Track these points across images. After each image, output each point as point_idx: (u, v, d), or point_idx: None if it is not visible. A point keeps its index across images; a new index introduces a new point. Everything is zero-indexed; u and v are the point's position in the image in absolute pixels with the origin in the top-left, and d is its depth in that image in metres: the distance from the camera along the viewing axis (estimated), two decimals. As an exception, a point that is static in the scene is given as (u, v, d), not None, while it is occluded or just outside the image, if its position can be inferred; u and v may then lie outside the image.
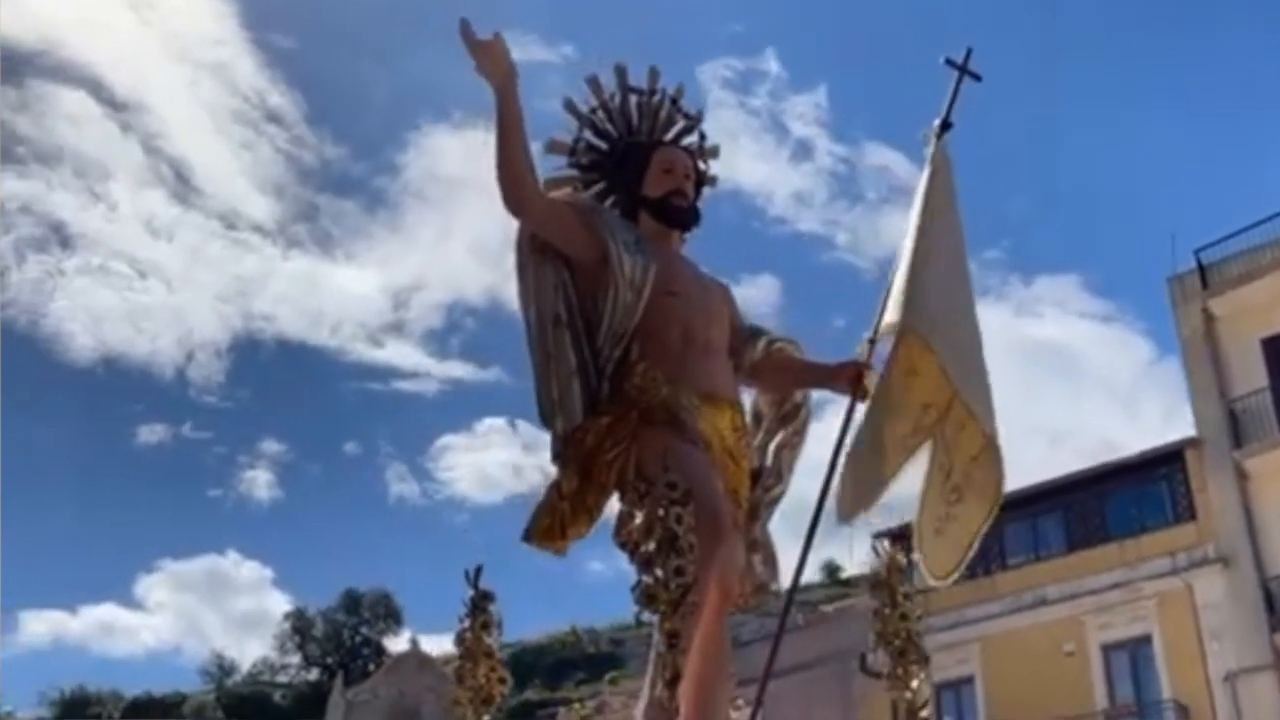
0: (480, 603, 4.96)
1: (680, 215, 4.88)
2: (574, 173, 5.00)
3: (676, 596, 3.98)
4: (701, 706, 4.13)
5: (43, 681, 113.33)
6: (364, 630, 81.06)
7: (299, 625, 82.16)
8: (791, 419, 4.99)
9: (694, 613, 4.00)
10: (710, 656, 4.15)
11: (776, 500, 4.91)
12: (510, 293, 4.77)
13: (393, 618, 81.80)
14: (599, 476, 4.49)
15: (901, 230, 5.06)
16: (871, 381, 4.73)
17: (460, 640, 4.94)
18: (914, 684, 4.87)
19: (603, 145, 5.01)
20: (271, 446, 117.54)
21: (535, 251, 4.66)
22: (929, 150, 5.16)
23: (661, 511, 4.01)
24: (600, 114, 5.01)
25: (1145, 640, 27.87)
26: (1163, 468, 29.39)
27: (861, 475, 4.74)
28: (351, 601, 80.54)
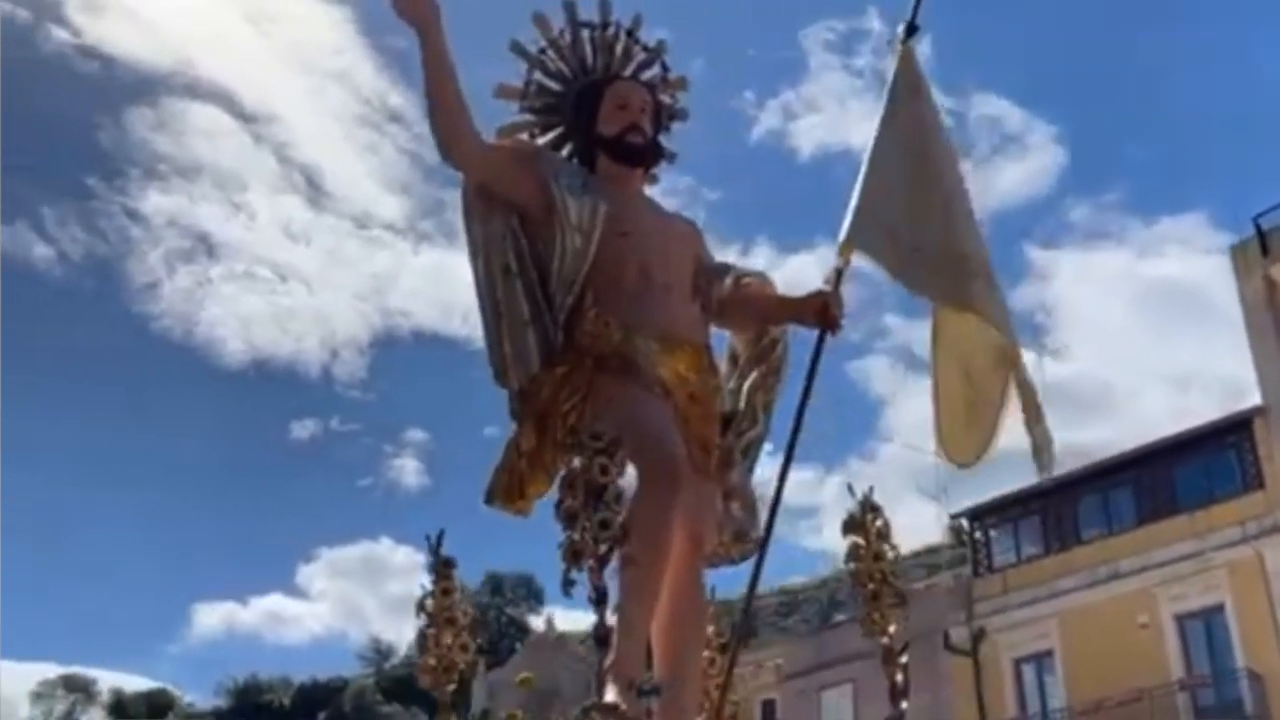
0: (443, 569, 4.49)
1: (636, 153, 4.28)
2: (529, 117, 4.41)
3: (603, 552, 3.54)
4: (674, 663, 3.85)
5: (219, 672, 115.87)
6: (508, 611, 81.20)
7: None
8: (766, 357, 4.37)
9: (630, 566, 3.60)
10: (682, 610, 3.87)
11: (754, 444, 4.29)
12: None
13: (535, 598, 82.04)
14: (556, 431, 3.95)
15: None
16: (840, 310, 4.07)
17: (421, 608, 4.47)
18: (891, 629, 4.26)
19: (555, 86, 4.40)
20: (416, 435, 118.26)
21: (480, 200, 4.12)
22: (893, 57, 4.54)
23: (585, 462, 3.61)
24: (550, 53, 4.39)
25: (1218, 610, 26.60)
26: (1230, 437, 28.05)
27: (965, 418, 4.28)
28: (494, 583, 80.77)
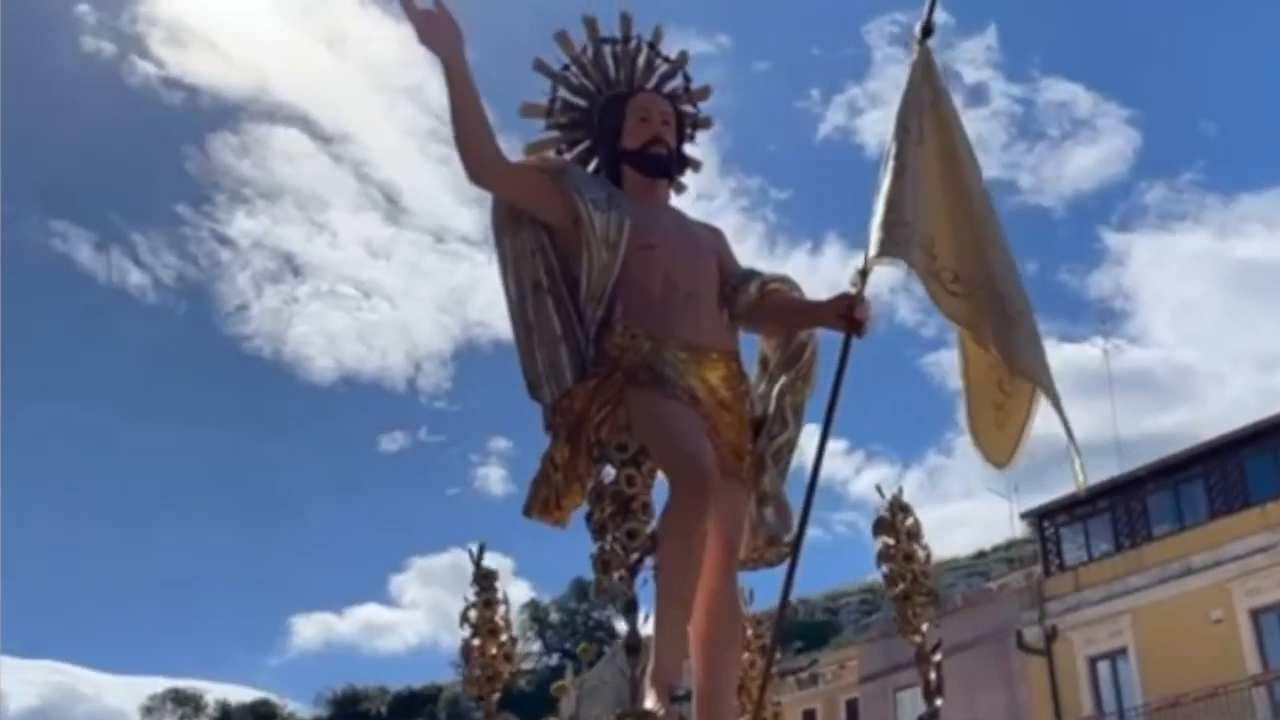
0: (484, 581, 4.46)
1: (660, 164, 4.24)
2: (555, 134, 4.38)
3: (632, 561, 3.55)
4: (710, 668, 3.79)
5: (318, 681, 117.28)
6: (595, 615, 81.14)
7: (536, 615, 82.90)
8: (795, 362, 4.28)
9: (663, 574, 3.61)
10: (717, 615, 3.82)
11: (785, 448, 4.19)
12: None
13: (610, 595, 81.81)
14: (588, 442, 3.90)
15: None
16: (863, 314, 3.98)
17: (465, 619, 4.44)
18: (924, 627, 4.16)
19: (580, 102, 4.38)
20: (500, 443, 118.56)
21: (509, 218, 4.13)
22: (909, 62, 4.40)
23: (611, 474, 3.63)
24: (574, 69, 4.36)
25: (1293, 603, 25.92)
26: (1302, 426, 27.25)
27: (999, 418, 4.21)
28: (581, 589, 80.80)
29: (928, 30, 4.37)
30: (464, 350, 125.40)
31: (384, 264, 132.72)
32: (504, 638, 4.46)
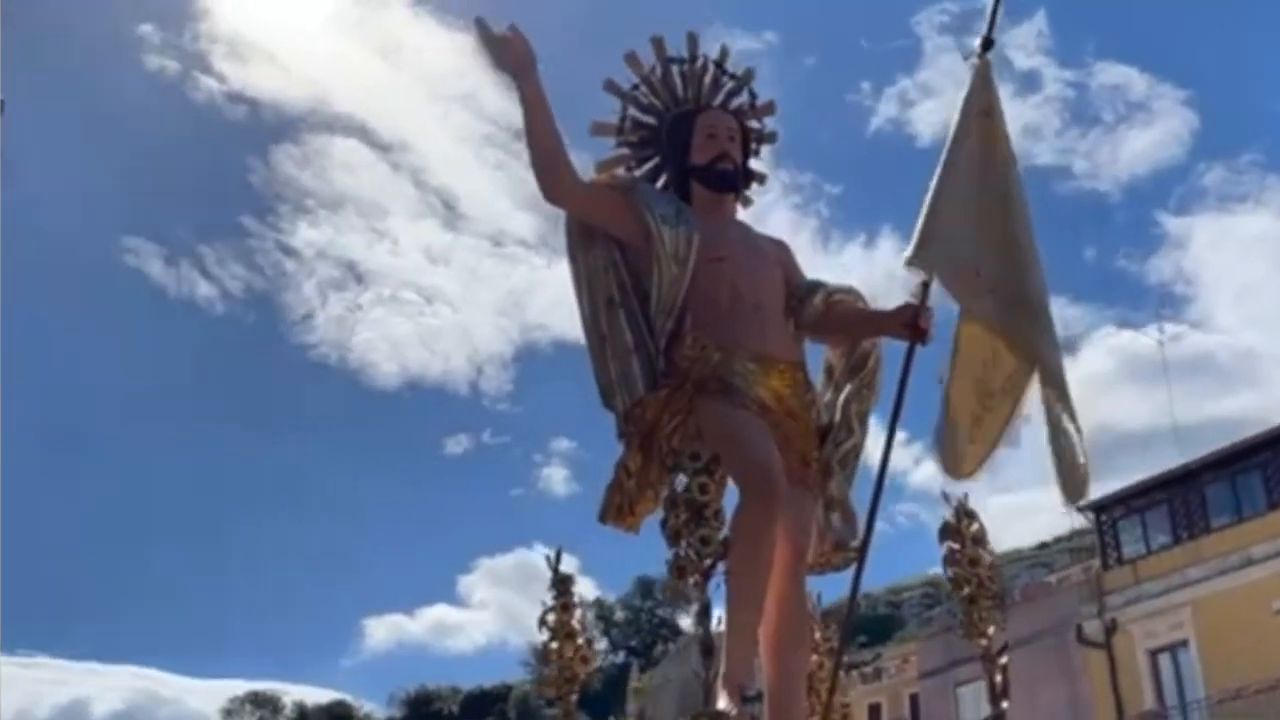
0: (561, 585, 4.54)
1: (727, 179, 4.29)
2: (625, 151, 4.45)
3: (706, 567, 3.61)
4: (780, 670, 3.84)
5: (391, 682, 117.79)
6: (659, 613, 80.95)
7: (601, 613, 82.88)
8: (859, 370, 4.33)
9: (734, 578, 3.66)
10: (786, 619, 3.86)
11: (851, 455, 4.24)
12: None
13: (685, 599, 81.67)
14: (660, 451, 3.97)
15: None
16: (927, 323, 4.02)
17: (543, 622, 4.52)
18: (989, 630, 4.17)
19: (649, 120, 4.44)
20: (563, 444, 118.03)
21: (582, 235, 4.20)
22: (969, 71, 4.38)
23: (686, 481, 3.68)
24: (643, 89, 4.43)
25: (1354, 592, 25.44)
26: (1362, 413, 26.76)
27: (966, 430, 4.16)
28: (645, 587, 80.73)
29: (988, 43, 4.36)
30: (524, 353, 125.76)
31: (444, 269, 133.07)
32: (580, 640, 4.53)
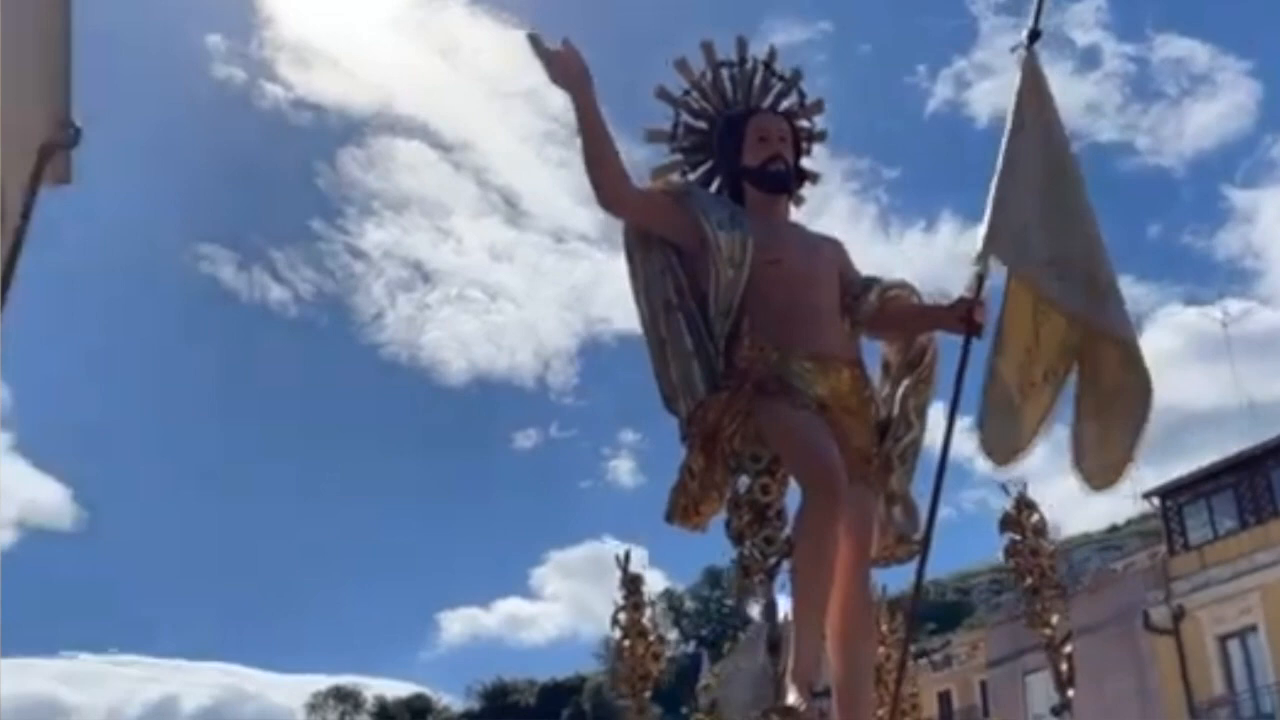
0: (631, 586, 4.58)
1: (779, 180, 4.29)
2: (679, 157, 4.45)
3: (770, 566, 3.62)
4: (848, 664, 3.84)
5: (468, 675, 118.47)
6: (728, 603, 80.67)
7: (671, 604, 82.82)
8: (916, 365, 4.30)
9: (799, 576, 3.65)
10: (852, 613, 3.85)
11: (911, 449, 4.21)
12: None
13: (751, 598, 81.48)
14: (723, 452, 3.98)
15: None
16: (982, 316, 4.00)
17: (615, 621, 4.56)
18: (1053, 620, 4.15)
19: (701, 125, 4.45)
20: (629, 436, 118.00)
21: (639, 241, 4.21)
22: (1017, 63, 4.32)
23: (748, 482, 3.69)
24: (694, 94, 4.44)
25: None
26: None
27: (1009, 420, 4.12)
28: (713, 577, 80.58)
29: (1035, 35, 4.32)
30: (589, 346, 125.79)
31: (508, 266, 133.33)
32: (651, 638, 4.56)
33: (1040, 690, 26.85)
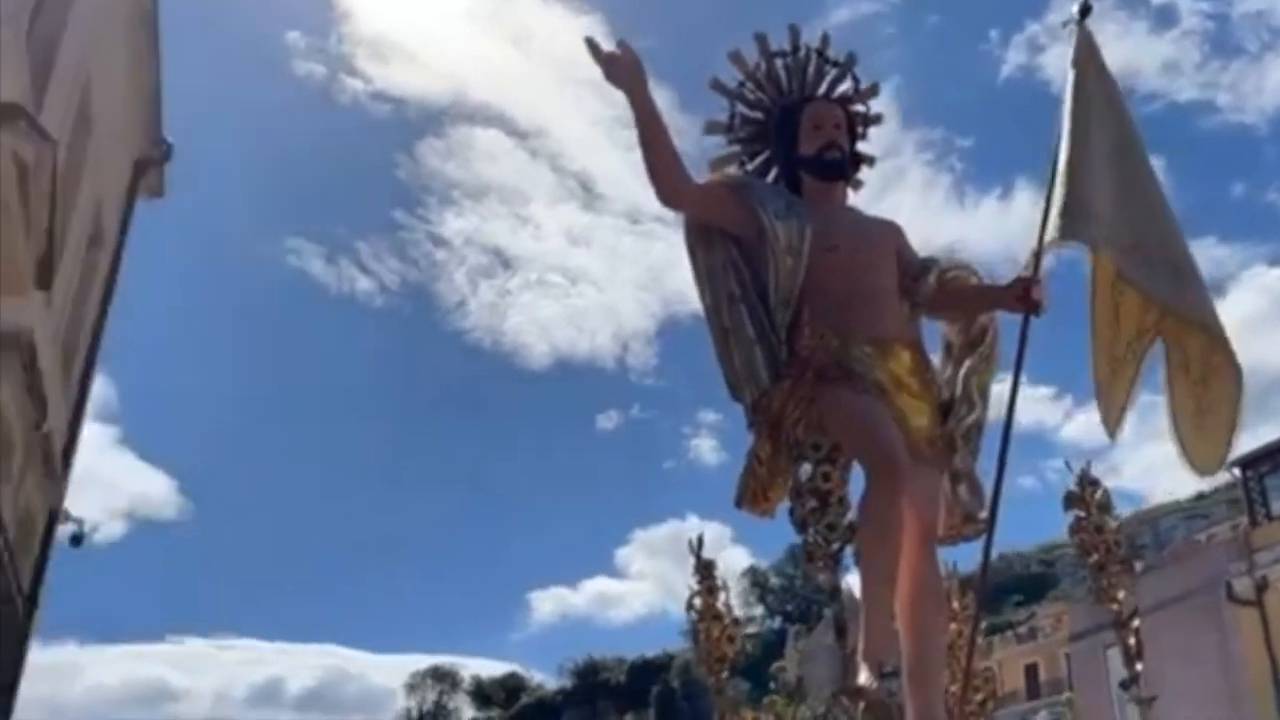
0: (705, 571, 4.62)
1: (835, 167, 4.29)
2: (736, 148, 4.47)
3: (833, 552, 3.65)
4: (917, 642, 3.83)
5: (559, 653, 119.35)
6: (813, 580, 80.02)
7: (756, 580, 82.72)
8: (977, 344, 4.28)
9: (865, 559, 3.65)
10: (921, 592, 3.86)
11: (974, 428, 4.18)
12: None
13: (816, 582, 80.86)
14: (787, 439, 3.99)
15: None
16: (1040, 295, 3.96)
17: (690, 606, 4.62)
18: (1120, 595, 4.12)
19: (757, 115, 4.46)
20: (709, 415, 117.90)
21: (700, 234, 4.24)
22: (1071, 41, 4.29)
23: (810, 470, 3.70)
24: (749, 85, 4.44)
25: None
26: None
27: (1105, 396, 4.11)
28: (796, 554, 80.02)
29: (1086, 9, 4.29)
30: (667, 327, 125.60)
31: (585, 250, 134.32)
32: (726, 621, 4.59)
33: (1120, 664, 26.41)
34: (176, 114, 13.82)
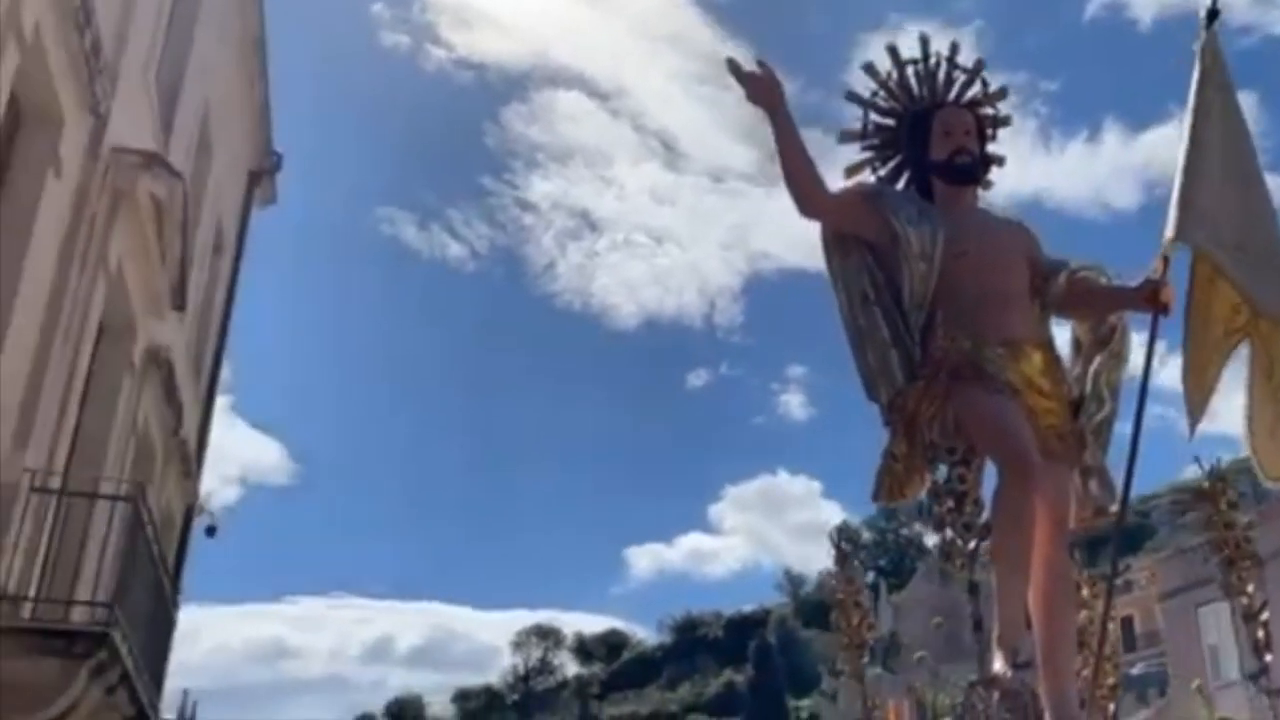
0: (844, 561, 4.82)
1: (966, 172, 4.40)
2: (870, 155, 4.58)
3: (970, 550, 3.78)
4: (1050, 631, 3.91)
5: (657, 609, 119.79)
6: (904, 533, 79.73)
7: (847, 535, 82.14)
8: (1107, 342, 4.36)
9: (999, 553, 3.80)
10: (1053, 583, 3.93)
11: (1105, 424, 4.28)
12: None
13: (927, 515, 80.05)
14: (922, 437, 4.14)
15: None
16: (1169, 296, 4.04)
17: (832, 594, 4.83)
18: (1249, 589, 4.22)
19: (889, 123, 4.58)
20: (796, 370, 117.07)
21: (836, 241, 4.40)
22: (1197, 45, 4.30)
23: (945, 473, 3.84)
24: (881, 94, 4.57)
25: None
26: None
27: (1192, 388, 4.13)
28: (888, 509, 79.63)
29: (1213, 14, 4.31)
30: (752, 283, 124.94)
31: (669, 209, 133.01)
32: (866, 607, 4.77)
33: (1212, 623, 25.90)
34: (274, 91, 14.20)
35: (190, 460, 12.69)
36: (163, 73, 9.81)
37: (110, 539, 7.51)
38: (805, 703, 62.46)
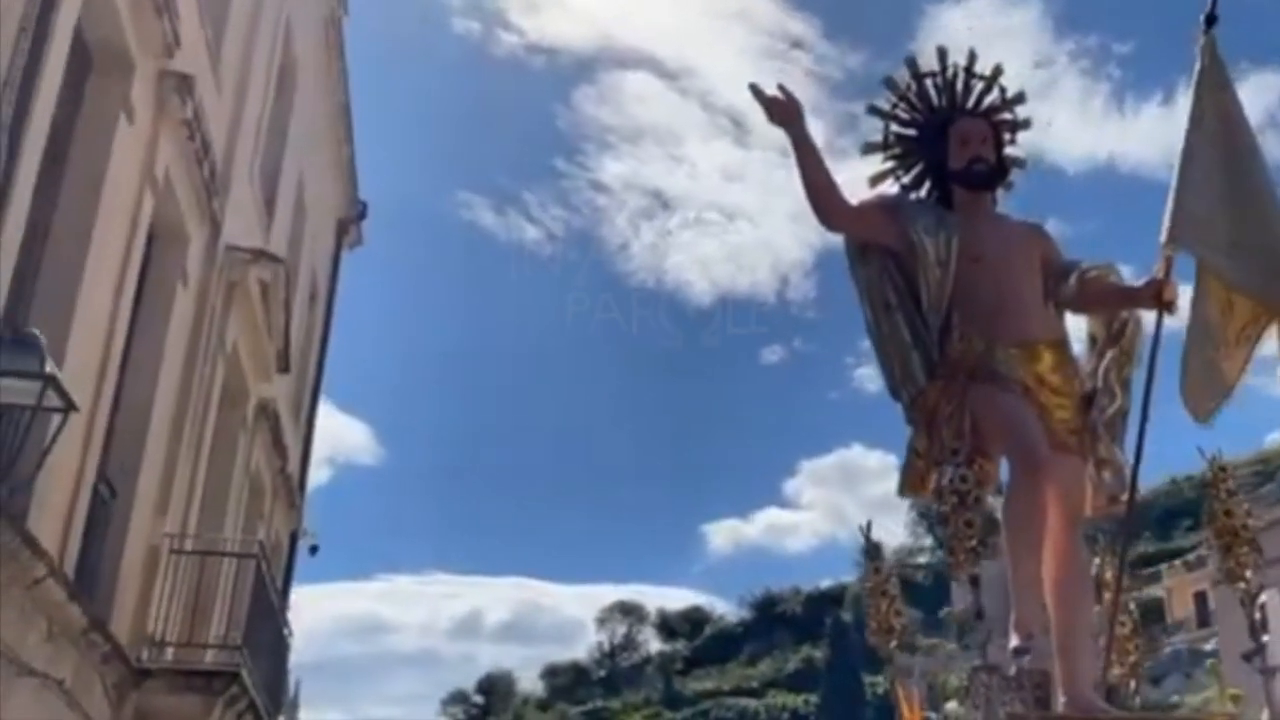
0: (874, 552, 4.98)
1: (982, 178, 4.55)
2: (891, 165, 4.73)
3: (971, 545, 3.87)
4: (1065, 618, 4.06)
5: (736, 584, 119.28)
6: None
7: (924, 512, 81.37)
8: (1119, 338, 4.48)
9: (1010, 546, 4.00)
10: (1067, 571, 4.11)
11: (1118, 417, 4.39)
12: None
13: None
14: (941, 434, 4.29)
15: None
16: (1172, 294, 4.14)
17: (863, 585, 4.99)
18: (1248, 574, 4.36)
19: (910, 133, 4.71)
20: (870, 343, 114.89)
21: (859, 252, 4.59)
22: (1197, 49, 4.39)
23: (949, 474, 3.93)
24: (901, 106, 4.70)
25: None
26: None
27: (1205, 379, 4.25)
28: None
29: (1211, 19, 4.40)
30: (824, 258, 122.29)
31: (740, 186, 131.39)
32: (893, 594, 4.91)
33: (1272, 607, 25.20)
34: (355, 86, 14.63)
35: (294, 492, 13.68)
36: (264, 165, 10.66)
37: (239, 590, 8.67)
38: (880, 679, 62.04)
